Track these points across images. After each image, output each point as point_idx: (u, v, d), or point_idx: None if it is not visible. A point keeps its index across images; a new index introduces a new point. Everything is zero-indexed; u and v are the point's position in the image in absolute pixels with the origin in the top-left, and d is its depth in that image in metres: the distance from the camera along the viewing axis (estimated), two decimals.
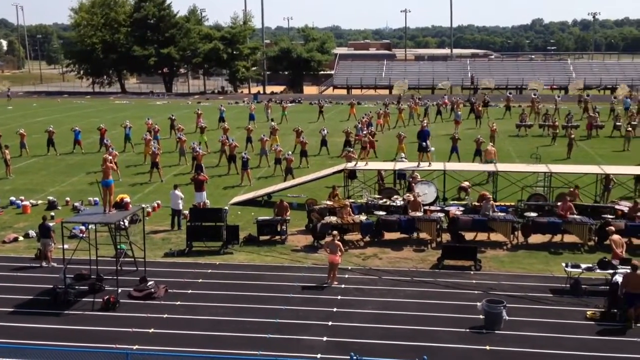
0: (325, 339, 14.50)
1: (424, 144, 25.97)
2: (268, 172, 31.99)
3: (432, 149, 31.03)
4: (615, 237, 17.99)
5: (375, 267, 19.09)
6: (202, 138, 37.33)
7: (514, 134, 43.07)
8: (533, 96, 53.12)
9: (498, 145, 38.00)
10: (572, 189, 23.63)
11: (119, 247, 18.36)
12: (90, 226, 19.39)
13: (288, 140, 38.67)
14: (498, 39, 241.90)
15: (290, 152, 31.28)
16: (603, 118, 46.03)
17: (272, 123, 40.53)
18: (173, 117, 43.53)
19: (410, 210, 22.07)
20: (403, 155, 31.86)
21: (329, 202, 22.91)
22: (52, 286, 16.87)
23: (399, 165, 27.27)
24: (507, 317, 14.90)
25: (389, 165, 27.78)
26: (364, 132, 35.02)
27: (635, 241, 20.67)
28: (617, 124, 42.47)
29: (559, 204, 21.92)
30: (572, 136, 35.08)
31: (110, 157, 19.35)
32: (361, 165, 26.75)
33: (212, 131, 42.16)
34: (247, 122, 45.27)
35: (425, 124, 28.36)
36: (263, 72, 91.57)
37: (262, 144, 33.68)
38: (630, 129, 38.09)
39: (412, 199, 22.53)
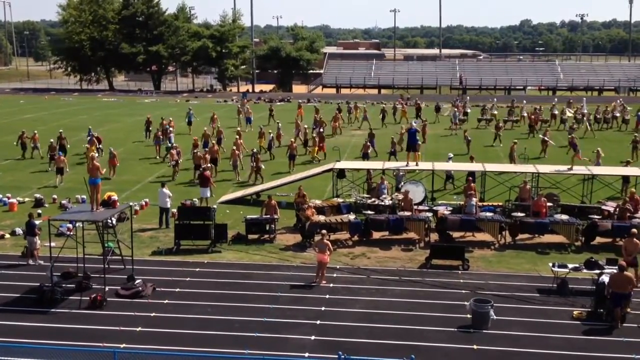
0: (313, 337, 14.51)
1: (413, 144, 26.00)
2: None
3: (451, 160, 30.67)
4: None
5: (363, 267, 19.11)
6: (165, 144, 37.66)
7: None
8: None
9: (484, 144, 38.21)
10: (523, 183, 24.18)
11: (106, 245, 18.26)
12: (77, 224, 19.26)
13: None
14: (487, 40, 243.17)
15: (256, 150, 31.65)
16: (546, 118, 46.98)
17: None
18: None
19: (398, 210, 22.14)
20: (450, 155, 31.42)
21: (318, 201, 22.91)
22: (38, 284, 16.79)
23: (387, 165, 27.30)
24: (495, 317, 14.98)
25: (378, 165, 27.80)
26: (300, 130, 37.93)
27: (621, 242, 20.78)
28: (564, 117, 46.34)
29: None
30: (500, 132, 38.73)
31: (97, 155, 19.24)
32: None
33: (184, 135, 41.94)
34: (237, 122, 45.22)
35: (413, 124, 28.32)
36: (252, 70, 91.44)
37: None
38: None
39: (402, 197, 22.53)
